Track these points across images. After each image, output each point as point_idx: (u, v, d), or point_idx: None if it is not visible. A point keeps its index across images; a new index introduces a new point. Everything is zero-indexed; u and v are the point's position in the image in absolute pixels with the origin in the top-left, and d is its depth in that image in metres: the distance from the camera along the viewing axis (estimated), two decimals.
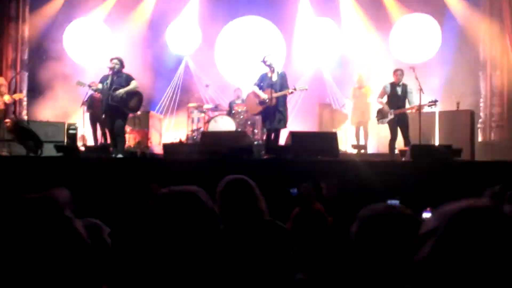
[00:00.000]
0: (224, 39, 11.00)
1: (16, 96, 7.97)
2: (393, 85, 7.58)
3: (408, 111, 7.55)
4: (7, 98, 7.49)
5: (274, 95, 7.00)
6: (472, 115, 8.23)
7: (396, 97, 7.53)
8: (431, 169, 5.66)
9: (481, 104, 9.68)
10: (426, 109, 7.59)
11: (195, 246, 1.17)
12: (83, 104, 8.90)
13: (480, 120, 9.54)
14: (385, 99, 7.64)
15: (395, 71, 7.64)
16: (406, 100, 7.52)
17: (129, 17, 10.59)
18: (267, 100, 7.04)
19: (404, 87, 7.54)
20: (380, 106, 7.69)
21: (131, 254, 1.64)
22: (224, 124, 8.60)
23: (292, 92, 7.23)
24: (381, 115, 7.61)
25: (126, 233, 2.00)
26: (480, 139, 9.41)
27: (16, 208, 0.89)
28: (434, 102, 7.30)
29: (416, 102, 7.36)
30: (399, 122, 7.45)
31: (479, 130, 9.47)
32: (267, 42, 10.72)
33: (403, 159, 6.75)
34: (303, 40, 10.68)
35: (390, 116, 7.45)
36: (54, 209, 0.89)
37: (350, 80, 9.43)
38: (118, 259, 1.69)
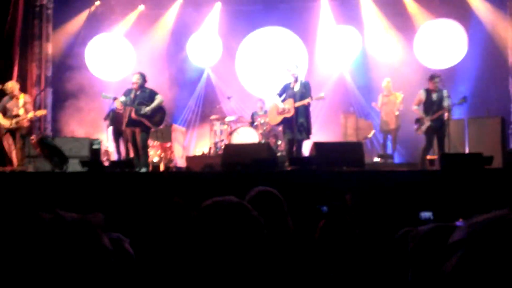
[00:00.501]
0: (245, 50, 10.98)
1: (39, 113, 8.13)
2: (428, 92, 7.37)
3: (446, 118, 7.31)
4: (30, 115, 7.68)
5: (293, 105, 7.01)
6: (502, 122, 7.95)
7: (431, 103, 7.32)
8: (462, 178, 5.44)
9: None
10: (456, 113, 7.45)
11: (246, 254, 1.19)
12: (106, 118, 9.06)
13: (511, 127, 9.21)
14: (421, 107, 7.44)
15: (431, 78, 7.39)
16: (443, 106, 7.28)
17: (150, 31, 10.73)
18: (286, 110, 7.00)
19: (440, 93, 7.32)
20: (417, 114, 7.52)
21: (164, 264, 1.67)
22: (247, 135, 8.55)
23: (308, 103, 7.12)
24: (419, 123, 7.42)
25: (157, 245, 2.01)
26: None
27: (54, 228, 0.85)
28: (464, 99, 7.15)
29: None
30: (437, 131, 7.25)
31: (511, 137, 9.15)
32: (289, 52, 10.66)
33: (433, 168, 6.55)
34: (325, 49, 10.56)
35: (427, 123, 7.24)
36: (92, 235, 0.87)
37: (375, 88, 9.26)
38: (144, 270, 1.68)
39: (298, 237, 2.33)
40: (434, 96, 7.31)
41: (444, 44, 9.91)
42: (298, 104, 6.99)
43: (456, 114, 8.12)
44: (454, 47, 9.93)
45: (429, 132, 7.27)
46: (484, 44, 9.54)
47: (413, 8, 10.14)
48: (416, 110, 7.47)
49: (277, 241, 2.18)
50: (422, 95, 7.39)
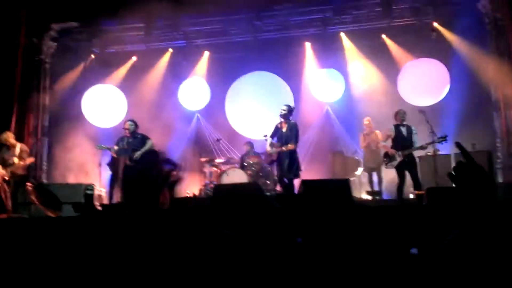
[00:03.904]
0: (234, 94, 11.32)
1: (28, 161, 8.29)
2: (397, 127, 7.47)
3: (416, 154, 7.41)
4: (16, 160, 7.86)
5: (271, 150, 7.35)
6: (490, 156, 8.02)
7: (401, 138, 7.39)
8: (450, 213, 5.43)
9: (498, 145, 9.45)
10: (441, 151, 7.46)
11: None
12: (99, 165, 9.21)
13: (498, 161, 9.28)
14: (389, 143, 7.51)
15: (396, 112, 7.59)
16: (412, 142, 7.37)
17: (143, 80, 11.18)
18: (271, 153, 7.34)
19: (409, 128, 7.43)
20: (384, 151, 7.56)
21: None
22: (236, 176, 8.59)
23: (293, 147, 7.23)
24: (388, 158, 7.42)
25: None
26: (500, 180, 9.10)
27: None
28: (444, 138, 7.14)
29: (420, 143, 7.29)
30: (408, 165, 7.23)
31: (498, 171, 9.19)
32: (276, 95, 10.90)
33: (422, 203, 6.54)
34: (310, 92, 10.83)
35: (399, 158, 7.25)
36: None
37: (360, 127, 9.39)
38: None
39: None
40: (403, 130, 7.40)
41: (427, 82, 10.14)
42: (275, 150, 7.31)
43: (442, 149, 8.19)
44: (437, 84, 10.16)
45: (401, 168, 7.25)
46: (467, 81, 9.70)
47: (395, 49, 10.48)
48: (384, 146, 7.52)
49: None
50: (391, 131, 7.48)
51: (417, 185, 7.12)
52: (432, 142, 7.22)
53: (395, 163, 7.29)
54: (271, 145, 7.32)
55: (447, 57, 10.12)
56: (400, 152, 7.27)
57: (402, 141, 7.34)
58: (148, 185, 1.14)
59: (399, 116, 7.47)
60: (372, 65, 10.46)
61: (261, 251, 2.31)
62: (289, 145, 7.16)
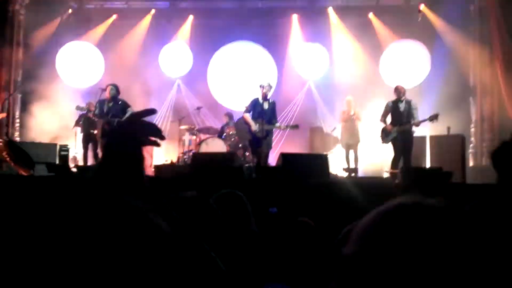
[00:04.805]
0: (217, 63, 11.13)
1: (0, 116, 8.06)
2: (395, 102, 7.36)
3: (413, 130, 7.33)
4: None
5: (266, 127, 7.30)
6: (463, 140, 8.22)
7: (398, 114, 7.29)
8: (422, 192, 5.59)
9: (472, 130, 9.72)
10: (418, 132, 7.58)
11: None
12: (75, 125, 9.00)
13: (471, 145, 9.56)
14: (389, 118, 7.42)
15: (396, 88, 7.46)
16: (411, 118, 7.24)
17: (122, 41, 10.78)
18: (257, 132, 7.28)
19: (408, 103, 7.31)
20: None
21: None
22: (215, 146, 8.57)
23: (283, 129, 7.52)
24: (384, 133, 7.36)
25: None
26: (471, 164, 9.40)
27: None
28: (435, 116, 7.12)
29: (419, 119, 7.24)
30: (402, 141, 7.19)
31: (470, 155, 9.49)
32: (259, 66, 10.83)
33: (396, 181, 6.69)
34: (294, 65, 10.79)
35: (393, 134, 7.19)
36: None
37: (341, 104, 9.47)
38: None
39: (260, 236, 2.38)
40: (401, 106, 7.29)
41: (408, 64, 10.27)
42: (270, 127, 7.38)
43: (417, 131, 8.34)
44: (417, 67, 10.30)
45: (395, 143, 7.24)
46: (447, 65, 9.88)
47: (381, 28, 10.50)
48: (383, 122, 7.44)
49: (241, 239, 2.22)
50: (388, 106, 7.39)
51: (406, 162, 7.09)
52: (424, 120, 7.21)
53: (389, 138, 7.26)
54: (258, 123, 7.32)
55: (430, 40, 10.23)
56: (395, 128, 7.21)
57: (398, 116, 7.28)
58: (133, 154, 1.10)
59: (397, 91, 7.37)
60: (357, 44, 10.47)
61: (237, 218, 2.35)
62: (278, 125, 7.50)
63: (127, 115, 7.34)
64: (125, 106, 7.56)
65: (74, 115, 9.16)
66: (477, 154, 9.57)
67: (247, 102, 7.60)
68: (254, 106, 7.41)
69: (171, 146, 9.74)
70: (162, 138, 1.06)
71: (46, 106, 9.63)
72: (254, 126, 7.30)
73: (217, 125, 9.75)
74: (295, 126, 7.84)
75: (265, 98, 7.38)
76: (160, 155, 9.96)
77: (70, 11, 10.73)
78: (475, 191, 5.72)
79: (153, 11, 10.86)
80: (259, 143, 7.34)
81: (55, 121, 9.54)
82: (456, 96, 9.55)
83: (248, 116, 7.42)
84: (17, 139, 9.69)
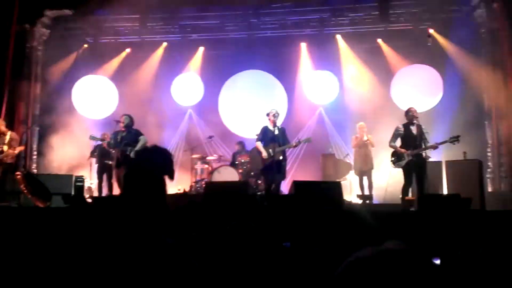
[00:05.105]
0: (228, 91, 11.24)
1: (18, 149, 8.17)
2: (407, 125, 7.06)
3: (426, 156, 7.04)
4: (6, 148, 7.76)
5: (278, 149, 7.16)
6: (480, 165, 8.00)
7: (411, 137, 6.96)
8: (440, 219, 5.42)
9: (489, 154, 9.51)
10: (434, 157, 7.37)
11: None
12: (90, 156, 9.14)
13: (488, 170, 9.33)
14: (398, 142, 7.10)
15: (408, 110, 7.16)
16: (423, 142, 6.95)
17: (135, 73, 11.03)
18: (271, 155, 7.16)
19: (419, 127, 7.02)
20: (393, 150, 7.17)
21: None
22: (227, 174, 8.52)
23: (296, 145, 7.44)
24: (396, 157, 7.03)
25: None
26: (489, 189, 9.16)
27: None
28: (456, 138, 6.84)
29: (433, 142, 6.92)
30: (416, 167, 6.86)
31: (488, 180, 9.25)
32: (270, 94, 10.86)
33: (412, 209, 6.52)
34: (303, 92, 10.82)
35: (407, 158, 6.87)
36: None
37: (352, 130, 9.38)
38: None
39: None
40: (413, 129, 7.01)
41: (420, 88, 10.19)
42: (283, 148, 7.25)
43: (432, 156, 8.16)
44: (430, 91, 10.22)
45: (409, 168, 6.91)
46: (460, 89, 9.78)
47: (390, 54, 10.49)
48: (393, 146, 7.11)
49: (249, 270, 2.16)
50: (399, 129, 7.08)
51: (420, 189, 6.79)
52: (444, 142, 6.92)
53: (403, 163, 6.94)
54: (271, 148, 7.22)
55: (441, 65, 10.18)
56: (409, 152, 6.92)
57: (411, 140, 6.96)
58: (155, 182, 1.05)
59: (410, 114, 7.07)
60: (367, 69, 10.47)
61: (249, 252, 2.28)
62: (292, 143, 7.37)
63: (140, 143, 7.40)
64: (138, 134, 7.61)
65: (90, 146, 9.27)
66: (496, 179, 9.31)
67: (258, 130, 7.55)
68: (265, 134, 7.36)
69: (184, 175, 9.72)
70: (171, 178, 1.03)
71: (63, 138, 9.84)
72: (265, 154, 7.22)
73: (229, 154, 9.74)
74: (308, 140, 7.64)
75: (274, 125, 7.33)
76: (173, 184, 9.93)
77: (85, 45, 11.07)
78: (495, 217, 5.54)
79: (165, 43, 11.11)
80: (273, 169, 7.17)
81: (71, 152, 9.72)
82: (471, 120, 9.40)
83: (259, 145, 7.36)
84: (35, 171, 9.86)
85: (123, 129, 7.60)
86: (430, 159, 7.69)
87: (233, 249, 1.21)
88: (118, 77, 10.95)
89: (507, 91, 9.23)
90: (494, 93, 9.50)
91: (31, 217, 5.68)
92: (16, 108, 9.74)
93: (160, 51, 11.13)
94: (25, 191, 6.99)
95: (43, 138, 10.18)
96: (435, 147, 6.91)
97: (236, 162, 9.06)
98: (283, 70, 10.95)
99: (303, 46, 10.90)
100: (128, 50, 11.17)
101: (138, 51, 11.02)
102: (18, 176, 7.16)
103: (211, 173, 8.85)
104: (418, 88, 10.20)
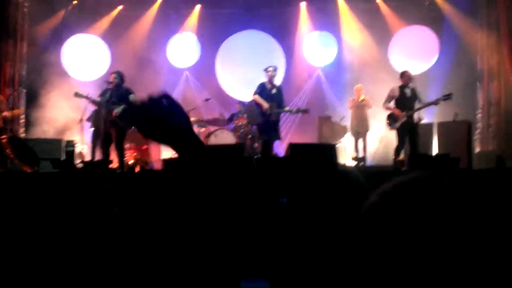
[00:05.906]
0: (225, 52, 11.08)
1: (16, 112, 7.98)
2: (402, 88, 7.25)
3: (420, 117, 7.33)
4: (5, 114, 7.53)
5: (276, 110, 7.19)
6: (469, 126, 8.23)
7: (406, 99, 7.18)
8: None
9: (479, 115, 9.71)
10: (428, 116, 7.48)
11: None
12: (81, 120, 8.96)
13: (477, 131, 9.56)
14: (392, 105, 7.29)
15: (403, 73, 7.34)
16: (417, 102, 7.18)
17: (128, 32, 10.67)
18: (268, 112, 7.15)
19: (413, 89, 7.25)
20: (388, 112, 7.37)
21: None
22: (224, 138, 8.65)
23: (294, 112, 7.49)
24: (392, 119, 7.24)
25: None
26: (477, 149, 9.42)
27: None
28: (449, 96, 7.02)
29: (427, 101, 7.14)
30: (411, 128, 7.14)
31: (476, 140, 9.49)
32: (268, 55, 10.82)
33: (403, 168, 6.76)
34: (302, 54, 10.79)
35: (403, 119, 7.09)
36: None
37: (350, 93, 9.50)
38: None
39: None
40: (408, 92, 7.21)
41: (417, 50, 10.24)
42: (282, 111, 7.33)
43: (424, 117, 8.31)
44: (426, 52, 10.27)
45: (403, 129, 7.14)
46: (455, 50, 9.83)
47: (389, 14, 10.46)
48: (388, 107, 7.29)
49: None
50: (395, 91, 7.24)
51: (414, 150, 7.03)
52: (437, 100, 7.14)
53: (398, 124, 7.15)
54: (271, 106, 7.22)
55: (438, 26, 10.19)
56: (404, 113, 7.11)
57: (406, 102, 7.17)
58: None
59: (405, 77, 7.25)
60: (366, 31, 10.43)
61: (246, 210, 2.46)
62: (289, 108, 7.43)
63: (130, 99, 7.12)
64: (128, 92, 7.26)
65: (82, 109, 9.01)
66: (484, 139, 9.57)
67: (255, 86, 7.53)
68: (262, 89, 7.31)
69: None
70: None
71: (52, 101, 9.50)
72: (266, 105, 7.15)
73: (226, 117, 9.79)
74: (305, 110, 7.67)
75: (271, 82, 7.31)
76: (168, 148, 10.06)
77: (75, 2, 10.56)
78: (481, 176, 5.80)
79: (159, 0, 10.72)
80: (269, 129, 7.22)
81: (61, 115, 9.41)
82: (464, 82, 9.52)
83: (258, 97, 7.27)
84: (23, 135, 9.50)
85: (112, 87, 7.21)
86: (422, 121, 7.91)
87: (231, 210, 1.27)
88: (110, 36, 10.57)
89: (500, 53, 9.33)
90: (487, 54, 9.60)
91: (18, 181, 5.60)
92: (1, 69, 9.27)
93: (154, 8, 10.72)
94: (11, 156, 6.74)
95: (31, 100, 9.68)
96: (430, 104, 7.15)
97: (233, 124, 9.16)
98: (282, 31, 10.78)
99: (303, 5, 10.74)
100: (120, 7, 10.71)
101: (131, 8, 10.60)
102: (4, 140, 6.87)
103: (207, 136, 8.98)
104: (415, 50, 10.26)
